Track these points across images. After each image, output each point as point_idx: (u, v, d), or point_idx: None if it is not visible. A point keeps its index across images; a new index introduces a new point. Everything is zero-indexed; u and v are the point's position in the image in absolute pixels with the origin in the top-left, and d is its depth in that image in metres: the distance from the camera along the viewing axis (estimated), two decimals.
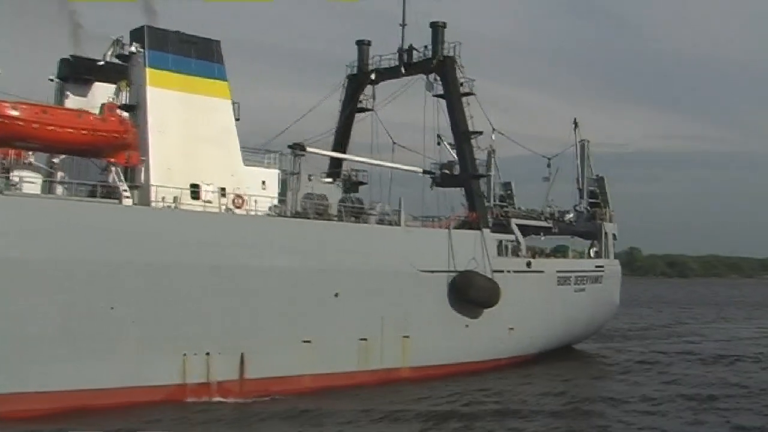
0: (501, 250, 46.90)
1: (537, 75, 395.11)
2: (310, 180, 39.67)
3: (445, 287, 42.63)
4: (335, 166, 50.67)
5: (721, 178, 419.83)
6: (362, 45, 51.38)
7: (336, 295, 37.75)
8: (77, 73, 37.36)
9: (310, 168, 42.18)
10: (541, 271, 48.60)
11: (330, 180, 43.37)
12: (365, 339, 38.96)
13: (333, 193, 40.52)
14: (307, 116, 48.01)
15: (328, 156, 42.31)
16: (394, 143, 50.63)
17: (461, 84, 47.30)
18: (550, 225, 54.91)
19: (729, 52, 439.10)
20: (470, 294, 42.53)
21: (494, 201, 56.66)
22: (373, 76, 49.98)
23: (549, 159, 55.51)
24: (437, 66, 47.13)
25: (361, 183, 49.68)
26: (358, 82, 50.94)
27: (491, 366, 44.79)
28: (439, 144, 53.64)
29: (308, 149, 40.63)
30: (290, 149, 39.99)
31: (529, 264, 47.63)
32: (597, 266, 53.76)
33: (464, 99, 46.92)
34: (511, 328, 46.17)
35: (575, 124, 56.04)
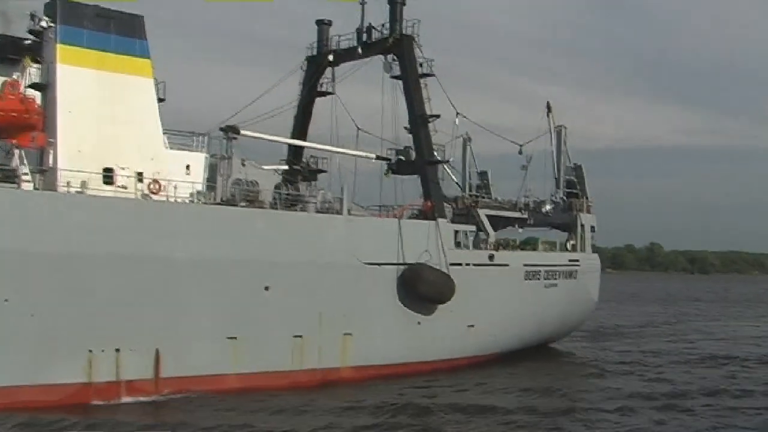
0: (461, 242, 44.01)
1: (559, 70, 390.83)
2: (243, 165, 37.02)
3: (393, 281, 39.85)
4: (295, 153, 48.20)
5: (744, 174, 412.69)
6: (322, 25, 48.62)
7: (266, 288, 35.16)
8: (2, 53, 35.04)
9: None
10: (506, 265, 45.59)
11: (285, 167, 40.85)
12: (300, 336, 36.32)
13: (268, 179, 37.82)
14: (268, 101, 45.49)
15: (264, 139, 39.61)
16: (359, 129, 48.13)
17: (420, 65, 44.49)
18: (525, 216, 51.93)
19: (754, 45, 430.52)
20: (419, 288, 39.71)
21: (468, 191, 54.15)
22: (331, 58, 47.22)
23: (521, 146, 52.47)
24: (394, 45, 44.30)
25: (320, 171, 47.21)
26: (317, 64, 48.25)
27: (448, 366, 41.93)
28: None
29: (242, 132, 37.96)
30: (222, 132, 37.37)
31: (491, 257, 44.64)
32: (571, 260, 50.62)
33: (423, 81, 44.06)
34: (471, 326, 43.30)
35: (548, 108, 52.72)
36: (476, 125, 49.64)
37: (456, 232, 43.56)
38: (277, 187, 37.72)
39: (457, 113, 47.69)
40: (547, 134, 53.41)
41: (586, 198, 53.25)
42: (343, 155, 45.78)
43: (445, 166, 53.48)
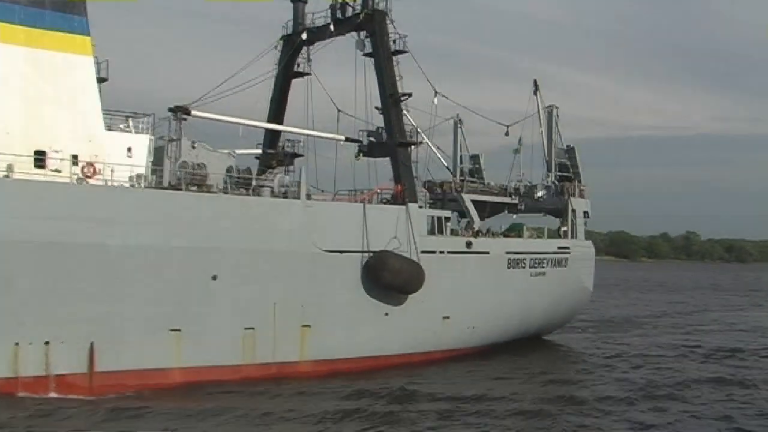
0: (436, 227, 41.60)
1: (594, 58, 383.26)
2: (193, 148, 34.96)
3: (358, 270, 37.58)
4: (272, 137, 46.16)
5: None
6: (297, 2, 46.40)
7: (214, 277, 33.16)
8: None
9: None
10: (485, 252, 42.99)
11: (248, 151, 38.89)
12: (252, 328, 34.27)
13: (220, 162, 35.69)
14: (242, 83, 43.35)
15: (218, 121, 37.41)
16: (339, 111, 45.82)
17: (394, 41, 42.06)
18: (516, 202, 49.26)
19: None
20: (383, 277, 37.37)
21: (459, 175, 51.75)
22: (304, 36, 44.97)
23: (507, 126, 49.74)
24: (365, 21, 41.88)
25: (296, 155, 45.14)
26: (293, 43, 46.01)
27: (422, 360, 39.63)
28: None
29: (194, 113, 35.89)
30: (171, 113, 35.33)
31: (469, 244, 42.08)
32: (560, 247, 47.80)
33: (396, 58, 41.66)
34: (447, 317, 40.89)
35: (535, 86, 49.75)
36: (458, 105, 46.94)
37: (431, 217, 41.09)
38: (229, 170, 35.59)
39: (436, 92, 45.32)
40: (542, 116, 50.44)
41: (579, 182, 50.31)
42: (313, 138, 43.63)
43: (434, 150, 51.52)
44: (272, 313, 34.69)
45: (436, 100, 45.35)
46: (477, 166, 53.70)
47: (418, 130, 48.99)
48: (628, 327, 59.76)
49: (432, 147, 50.70)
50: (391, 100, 40.90)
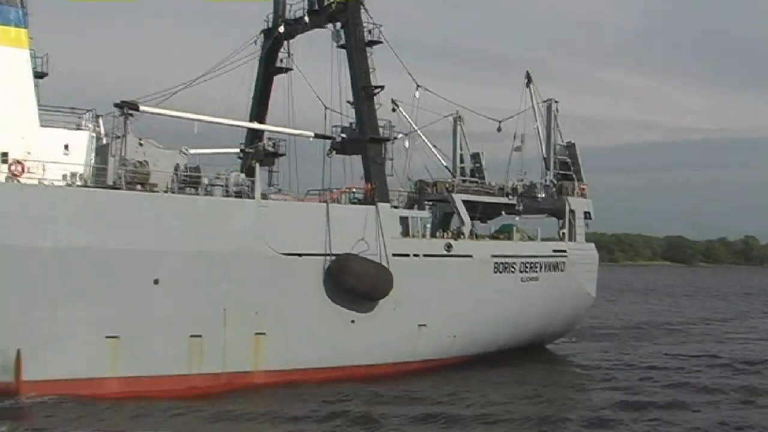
0: (417, 229, 39.02)
1: (648, 61, 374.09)
2: (141, 145, 33.12)
3: (320, 275, 35.22)
4: (253, 136, 44.17)
5: None
6: None
7: (156, 281, 31.22)
8: None
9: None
10: (468, 256, 40.16)
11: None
12: (199, 336, 32.22)
13: (170, 160, 33.72)
14: (224, 79, 41.52)
15: (168, 116, 35.42)
16: (327, 108, 43.44)
17: (369, 31, 39.65)
18: (514, 202, 46.21)
19: None
20: (345, 282, 34.92)
21: (459, 174, 49.07)
22: (281, 29, 42.82)
23: (500, 122, 46.75)
24: (338, 11, 39.54)
25: (277, 154, 43.09)
26: (273, 37, 43.93)
27: (394, 371, 37.00)
28: (394, 110, 46.61)
29: (142, 108, 34.03)
30: (117, 108, 33.54)
31: (448, 247, 39.31)
32: (556, 250, 44.59)
33: (370, 49, 39.30)
34: (423, 325, 38.22)
35: (528, 78, 46.52)
36: (444, 100, 44.16)
37: (405, 218, 38.53)
38: (176, 168, 33.60)
39: (418, 86, 42.77)
40: (540, 111, 47.29)
41: (581, 180, 46.99)
42: (294, 137, 41.44)
43: (433, 149, 48.94)
44: (222, 320, 32.59)
45: (417, 93, 42.82)
46: (478, 165, 50.83)
47: (415, 127, 46.86)
48: (658, 334, 56.38)
49: (429, 145, 48.45)
50: (362, 93, 38.46)
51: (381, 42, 39.56)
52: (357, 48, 38.89)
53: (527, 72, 46.23)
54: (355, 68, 38.75)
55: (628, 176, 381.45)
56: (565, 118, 44.25)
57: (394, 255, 36.98)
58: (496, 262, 41.29)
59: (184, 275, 31.76)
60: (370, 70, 38.96)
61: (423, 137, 44.43)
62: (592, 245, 47.70)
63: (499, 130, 46.90)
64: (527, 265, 42.70)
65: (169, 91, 36.51)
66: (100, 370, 30.26)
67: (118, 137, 32.88)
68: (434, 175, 47.07)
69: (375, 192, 37.23)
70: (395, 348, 37.40)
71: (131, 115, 33.50)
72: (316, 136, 39.72)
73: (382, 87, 38.74)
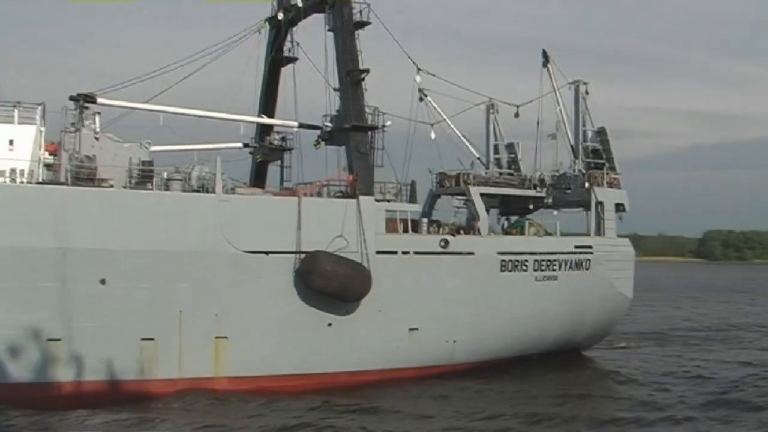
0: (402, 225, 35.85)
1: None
2: (96, 139, 31.54)
3: (290, 274, 32.60)
4: (262, 131, 42.22)
5: None
6: None
7: (102, 281, 29.53)
8: None
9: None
10: (469, 253, 36.46)
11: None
12: (151, 339, 30.31)
13: (128, 155, 31.91)
14: (229, 71, 39.83)
15: (126, 108, 33.63)
16: (334, 89, 40.80)
17: (360, 12, 36.76)
18: (543, 195, 42.14)
19: None
20: (314, 282, 32.07)
21: (492, 167, 45.57)
22: (280, 16, 40.59)
23: (518, 107, 42.62)
24: None
25: (284, 149, 41.06)
26: (276, 26, 41.74)
27: (381, 378, 33.97)
28: (421, 100, 43.75)
29: (100, 100, 32.46)
30: (73, 101, 32.12)
31: (444, 243, 35.77)
32: (579, 246, 40.02)
33: (358, 32, 36.44)
34: (415, 329, 34.93)
35: (545, 57, 41.94)
36: (445, 81, 40.48)
37: (393, 212, 35.35)
38: (137, 163, 31.76)
39: (419, 69, 39.53)
40: (559, 94, 42.88)
41: (613, 169, 42.15)
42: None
43: (463, 138, 45.59)
44: (177, 323, 30.57)
45: (418, 77, 39.54)
46: (513, 156, 46.95)
47: (444, 117, 43.82)
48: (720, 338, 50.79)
49: (459, 135, 45.14)
50: (348, 78, 35.57)
51: (370, 23, 36.55)
52: (344, 29, 36.05)
53: (543, 51, 41.83)
54: (339, 51, 35.92)
55: None
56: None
57: (378, 252, 33.91)
58: (504, 260, 37.36)
59: (134, 275, 29.88)
60: (358, 52, 36.03)
61: (453, 128, 41.09)
62: (627, 241, 42.75)
63: (516, 115, 42.97)
64: (543, 262, 38.50)
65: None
66: (42, 375, 28.82)
67: (69, 131, 31.46)
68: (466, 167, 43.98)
69: (358, 184, 34.22)
70: (383, 353, 34.31)
71: (86, 107, 32.04)
72: (300, 126, 37.17)
73: (367, 70, 35.67)
